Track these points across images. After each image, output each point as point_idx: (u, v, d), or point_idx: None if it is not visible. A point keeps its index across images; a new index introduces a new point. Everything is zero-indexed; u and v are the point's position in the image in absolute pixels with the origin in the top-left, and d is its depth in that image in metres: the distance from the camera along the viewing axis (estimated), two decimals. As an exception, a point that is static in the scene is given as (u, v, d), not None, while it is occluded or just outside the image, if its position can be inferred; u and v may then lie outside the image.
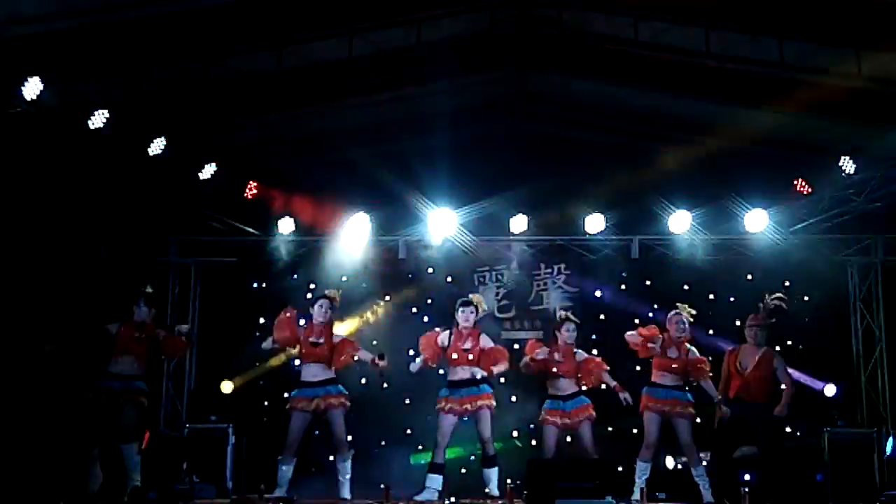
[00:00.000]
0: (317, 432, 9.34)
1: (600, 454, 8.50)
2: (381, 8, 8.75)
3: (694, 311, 8.60)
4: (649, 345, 8.35)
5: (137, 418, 7.94)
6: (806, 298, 10.29)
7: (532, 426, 10.56)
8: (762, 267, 10.64)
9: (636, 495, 8.27)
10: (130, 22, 7.93)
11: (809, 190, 9.97)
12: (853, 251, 10.63)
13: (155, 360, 10.53)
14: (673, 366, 8.39)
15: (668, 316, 8.63)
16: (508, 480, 8.43)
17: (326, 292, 8.53)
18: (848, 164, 9.35)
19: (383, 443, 10.64)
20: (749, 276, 10.78)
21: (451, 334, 8.39)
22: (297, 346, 8.31)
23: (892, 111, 8.70)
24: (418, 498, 8.14)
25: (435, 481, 8.24)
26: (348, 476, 8.16)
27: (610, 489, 7.16)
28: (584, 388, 8.62)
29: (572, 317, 8.79)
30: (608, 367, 8.67)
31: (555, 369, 8.49)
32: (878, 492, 8.63)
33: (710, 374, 8.45)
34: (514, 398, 10.32)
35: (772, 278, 10.52)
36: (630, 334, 8.45)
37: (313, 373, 8.17)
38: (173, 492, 7.72)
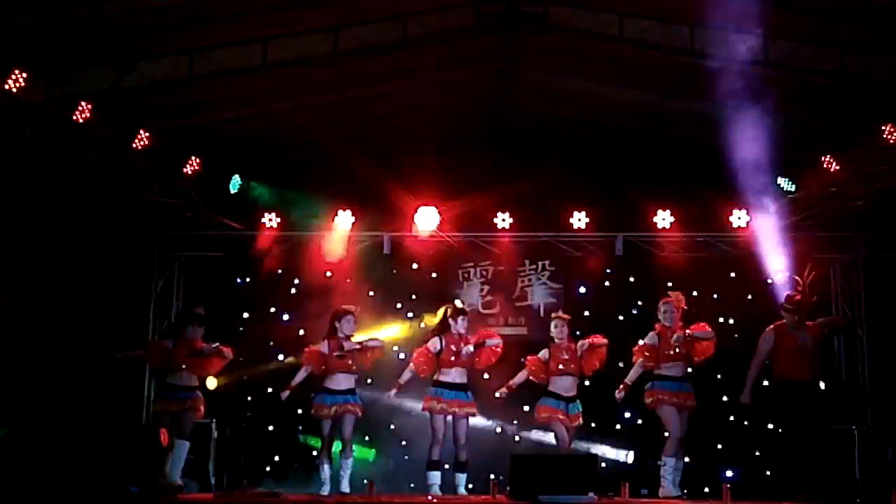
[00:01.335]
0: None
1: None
2: (367, 2, 8.73)
3: (681, 297, 8.63)
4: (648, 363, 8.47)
5: (193, 422, 8.72)
6: (789, 295, 10.33)
7: (515, 421, 10.61)
8: (745, 265, 10.70)
9: (667, 490, 8.22)
10: (116, 14, 7.88)
11: (793, 188, 10.04)
12: (835, 249, 10.70)
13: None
14: (675, 354, 8.37)
15: (658, 305, 8.64)
16: (492, 475, 8.47)
17: (347, 307, 8.81)
18: (830, 163, 9.43)
19: (367, 438, 10.64)
20: (732, 274, 10.84)
21: (441, 339, 8.59)
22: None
23: (876, 109, 8.75)
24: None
25: (435, 477, 8.46)
26: (349, 472, 8.46)
27: (592, 484, 7.19)
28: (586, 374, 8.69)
29: (562, 314, 8.86)
30: (606, 341, 8.67)
31: (560, 366, 8.52)
32: (858, 488, 8.69)
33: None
34: (497, 395, 10.32)
35: (755, 276, 10.59)
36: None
37: (337, 382, 8.53)
38: (156, 486, 7.69)
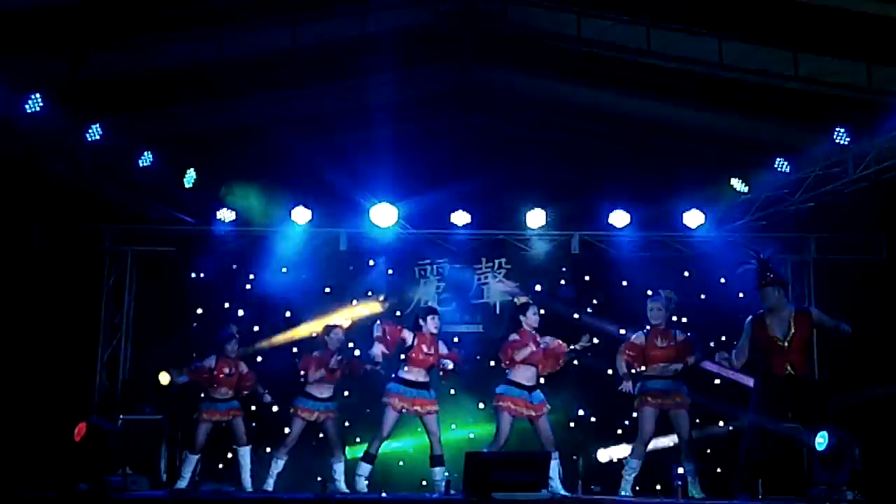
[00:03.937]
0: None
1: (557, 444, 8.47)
2: (325, -2, 8.71)
3: (672, 296, 8.62)
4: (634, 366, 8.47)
5: (245, 426, 9.33)
6: (741, 295, 10.45)
7: (471, 419, 10.62)
8: (699, 264, 10.82)
9: (625, 490, 8.27)
10: (69, 4, 7.75)
11: (745, 189, 10.17)
12: (786, 250, 10.84)
13: (89, 348, 10.43)
14: (664, 355, 8.35)
15: (647, 304, 8.61)
16: (446, 473, 8.47)
17: (336, 326, 9.34)
18: (783, 165, 9.58)
19: (321, 435, 10.56)
20: (686, 273, 10.95)
21: (415, 336, 8.57)
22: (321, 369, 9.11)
23: (827, 113, 8.88)
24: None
25: (365, 469, 8.57)
26: (342, 475, 9.02)
27: (546, 482, 7.23)
28: (543, 374, 8.58)
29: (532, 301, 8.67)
30: (567, 349, 8.58)
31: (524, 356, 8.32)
32: (806, 485, 8.80)
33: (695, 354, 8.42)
34: (452, 391, 10.35)
35: (708, 275, 10.72)
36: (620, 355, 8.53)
37: (320, 391, 9.10)
38: (105, 484, 7.60)
